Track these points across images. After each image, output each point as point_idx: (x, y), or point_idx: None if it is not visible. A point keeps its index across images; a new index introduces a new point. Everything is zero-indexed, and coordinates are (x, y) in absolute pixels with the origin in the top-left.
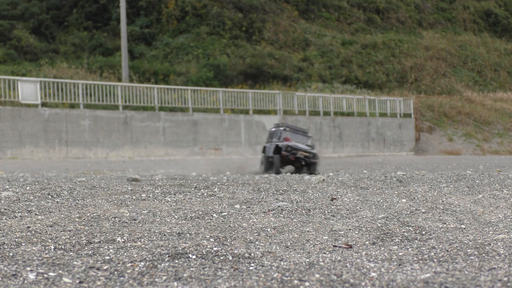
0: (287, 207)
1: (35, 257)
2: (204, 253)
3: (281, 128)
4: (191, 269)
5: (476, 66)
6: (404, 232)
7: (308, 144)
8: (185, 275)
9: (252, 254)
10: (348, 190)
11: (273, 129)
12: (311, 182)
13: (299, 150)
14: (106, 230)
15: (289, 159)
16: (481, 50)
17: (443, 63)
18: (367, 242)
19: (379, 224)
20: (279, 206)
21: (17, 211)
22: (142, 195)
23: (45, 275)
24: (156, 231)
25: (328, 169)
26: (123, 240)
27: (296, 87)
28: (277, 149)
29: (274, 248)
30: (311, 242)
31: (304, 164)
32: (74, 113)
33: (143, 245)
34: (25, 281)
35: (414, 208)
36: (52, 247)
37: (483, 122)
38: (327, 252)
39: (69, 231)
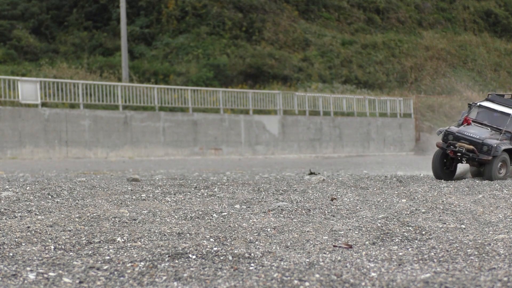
0: (287, 207)
1: (35, 257)
2: (204, 253)
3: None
4: (191, 269)
5: (476, 66)
6: (404, 232)
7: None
8: (185, 275)
9: (252, 254)
10: (348, 190)
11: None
12: (311, 182)
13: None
14: (106, 230)
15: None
16: (481, 50)
17: (443, 63)
18: (367, 242)
19: (379, 224)
20: (279, 206)
21: (17, 211)
22: (142, 195)
23: (45, 275)
24: (156, 231)
25: (328, 169)
26: (123, 240)
27: (296, 87)
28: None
29: (274, 248)
30: (311, 242)
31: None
32: (74, 113)
33: (143, 245)
34: (25, 281)
35: (414, 208)
36: (52, 247)
37: None
38: (327, 252)
39: (69, 231)
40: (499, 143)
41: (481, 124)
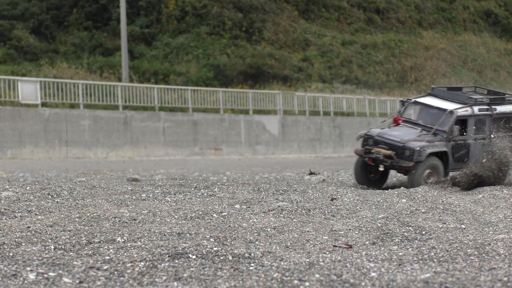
0: (287, 207)
1: (35, 257)
2: (204, 253)
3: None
4: (191, 269)
5: (476, 66)
6: (404, 232)
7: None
8: (185, 275)
9: (252, 254)
10: (348, 190)
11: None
12: (311, 182)
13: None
14: (106, 230)
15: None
16: (481, 50)
17: (443, 63)
18: (367, 242)
19: (379, 224)
20: (279, 206)
21: (17, 211)
22: (142, 195)
23: (45, 275)
24: (156, 231)
25: (328, 169)
26: (123, 240)
27: (296, 87)
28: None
29: (274, 248)
30: (311, 242)
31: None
32: (74, 113)
33: (143, 245)
34: (25, 281)
35: (414, 208)
36: (52, 247)
37: None
38: (327, 252)
39: (69, 231)
40: (425, 146)
41: (415, 124)
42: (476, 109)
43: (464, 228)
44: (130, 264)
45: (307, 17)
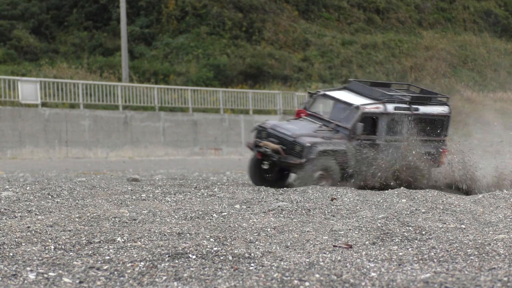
0: (287, 207)
1: (35, 257)
2: (204, 253)
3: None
4: (191, 269)
5: (476, 66)
6: (404, 232)
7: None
8: (185, 275)
9: (252, 254)
10: (348, 190)
11: None
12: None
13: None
14: (106, 230)
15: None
16: (481, 50)
17: (443, 63)
18: (367, 242)
19: (379, 224)
20: (279, 206)
21: (17, 211)
22: (142, 195)
23: (45, 275)
24: (156, 231)
25: None
26: (123, 240)
27: (296, 87)
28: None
29: (274, 248)
30: (311, 242)
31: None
32: (74, 113)
33: (143, 245)
34: (25, 281)
35: (414, 208)
36: (52, 247)
37: (483, 122)
38: (327, 252)
39: (69, 231)
40: (318, 142)
41: (319, 118)
42: (390, 106)
43: (464, 228)
44: (130, 264)
45: (307, 17)
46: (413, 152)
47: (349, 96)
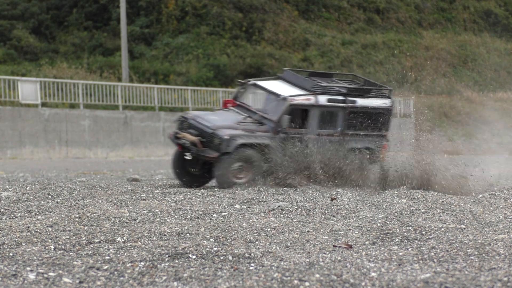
0: (287, 207)
1: (35, 257)
2: (204, 253)
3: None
4: (191, 269)
5: (476, 66)
6: (404, 232)
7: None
8: (185, 275)
9: (252, 254)
10: (348, 190)
11: None
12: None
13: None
14: (106, 230)
15: None
16: (481, 50)
17: (443, 63)
18: (367, 242)
19: (379, 224)
20: (279, 206)
21: (17, 211)
22: (142, 195)
23: (45, 275)
24: (156, 231)
25: None
26: (123, 240)
27: None
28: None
29: (274, 248)
30: (311, 242)
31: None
32: (74, 113)
33: (143, 245)
34: (25, 281)
35: (414, 208)
36: (52, 247)
37: (483, 122)
38: (327, 252)
39: (69, 231)
40: (237, 135)
41: (248, 109)
42: (323, 98)
43: (464, 228)
44: (130, 264)
45: (307, 17)
46: (348, 147)
47: (280, 87)
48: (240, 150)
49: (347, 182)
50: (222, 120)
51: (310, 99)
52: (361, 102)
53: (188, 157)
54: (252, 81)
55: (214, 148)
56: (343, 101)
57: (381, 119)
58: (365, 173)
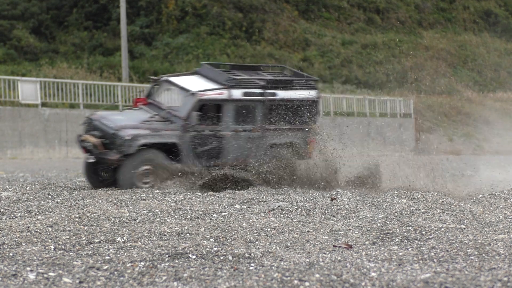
0: (287, 207)
1: (35, 257)
2: (204, 253)
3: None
4: (191, 269)
5: (476, 66)
6: (404, 232)
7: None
8: (185, 275)
9: (252, 254)
10: (348, 190)
11: None
12: None
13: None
14: (106, 230)
15: None
16: (481, 50)
17: (443, 63)
18: (367, 242)
19: (379, 224)
20: (279, 206)
21: (17, 211)
22: (142, 195)
23: (45, 275)
24: (156, 231)
25: None
26: (123, 240)
27: None
28: None
29: (274, 248)
30: (311, 242)
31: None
32: (74, 113)
33: (143, 245)
34: (25, 281)
35: (414, 208)
36: (52, 247)
37: (483, 122)
38: (327, 252)
39: (69, 231)
40: (140, 135)
41: (158, 107)
42: (237, 92)
43: (464, 228)
44: (130, 264)
45: (307, 17)
46: (268, 143)
47: (194, 82)
48: (143, 150)
49: (269, 180)
50: (127, 120)
51: (223, 94)
52: (282, 94)
53: (90, 160)
54: (164, 77)
55: (116, 149)
56: (261, 94)
57: (307, 112)
58: (288, 170)
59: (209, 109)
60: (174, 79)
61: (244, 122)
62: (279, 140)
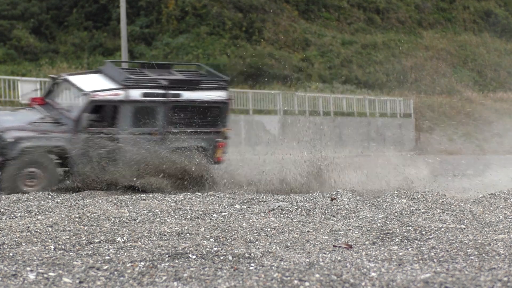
0: (287, 207)
1: (35, 257)
2: (204, 253)
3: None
4: (191, 269)
5: (476, 66)
6: (404, 232)
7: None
8: (185, 275)
9: (252, 254)
10: (348, 190)
11: None
12: None
13: None
14: (106, 230)
15: None
16: (481, 50)
17: (443, 63)
18: (367, 242)
19: (379, 224)
20: (279, 206)
21: (17, 211)
22: (142, 195)
23: (45, 275)
24: (156, 231)
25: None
26: (123, 240)
27: (296, 87)
28: None
29: (274, 248)
30: (311, 242)
31: None
32: None
33: (143, 245)
34: (25, 281)
35: (414, 208)
36: (52, 247)
37: (483, 122)
38: (327, 252)
39: (69, 231)
40: (24, 137)
41: (53, 107)
42: (136, 93)
43: (464, 228)
44: (130, 264)
45: (307, 17)
46: (171, 147)
47: (93, 81)
48: (27, 153)
49: (170, 185)
50: (14, 121)
51: (119, 94)
52: (188, 95)
53: None
54: (64, 75)
55: (0, 152)
56: (163, 95)
57: (216, 114)
58: (191, 174)
59: (105, 111)
60: (72, 78)
61: (144, 125)
62: (183, 144)
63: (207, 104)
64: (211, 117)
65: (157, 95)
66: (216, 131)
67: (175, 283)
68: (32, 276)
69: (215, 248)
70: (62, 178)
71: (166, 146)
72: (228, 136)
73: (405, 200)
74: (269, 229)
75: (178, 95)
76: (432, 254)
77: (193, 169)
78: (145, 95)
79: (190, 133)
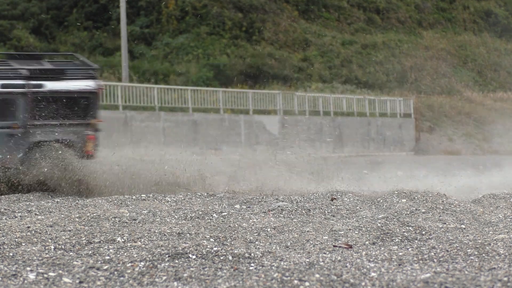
0: (287, 207)
1: (35, 257)
2: (204, 253)
3: None
4: (191, 269)
5: (476, 66)
6: (404, 232)
7: None
8: (185, 275)
9: (252, 254)
10: (348, 190)
11: None
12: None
13: None
14: (106, 230)
15: None
16: (481, 50)
17: (443, 63)
18: (367, 242)
19: (379, 224)
20: (279, 206)
21: (17, 211)
22: (142, 195)
23: (45, 275)
24: (156, 231)
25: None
26: (123, 240)
27: (296, 87)
28: None
29: (274, 248)
30: (311, 242)
31: None
32: None
33: (143, 245)
34: (25, 281)
35: (414, 208)
36: (52, 247)
37: (483, 122)
38: (327, 252)
39: (69, 231)
40: None
41: None
42: None
43: (464, 228)
44: (130, 264)
45: (307, 17)
46: (32, 141)
47: None
48: None
49: (35, 183)
50: None
51: None
52: (51, 85)
53: None
54: None
55: None
56: (23, 86)
57: (84, 105)
58: (57, 172)
59: None
60: None
61: (2, 118)
62: (46, 137)
63: (74, 94)
64: (79, 108)
65: (16, 86)
66: (85, 123)
67: (175, 283)
68: (32, 276)
69: (215, 248)
70: None
71: (26, 140)
72: (99, 128)
73: (405, 200)
74: (269, 229)
75: (40, 86)
76: (432, 254)
77: (59, 164)
78: (3, 86)
79: (55, 125)
